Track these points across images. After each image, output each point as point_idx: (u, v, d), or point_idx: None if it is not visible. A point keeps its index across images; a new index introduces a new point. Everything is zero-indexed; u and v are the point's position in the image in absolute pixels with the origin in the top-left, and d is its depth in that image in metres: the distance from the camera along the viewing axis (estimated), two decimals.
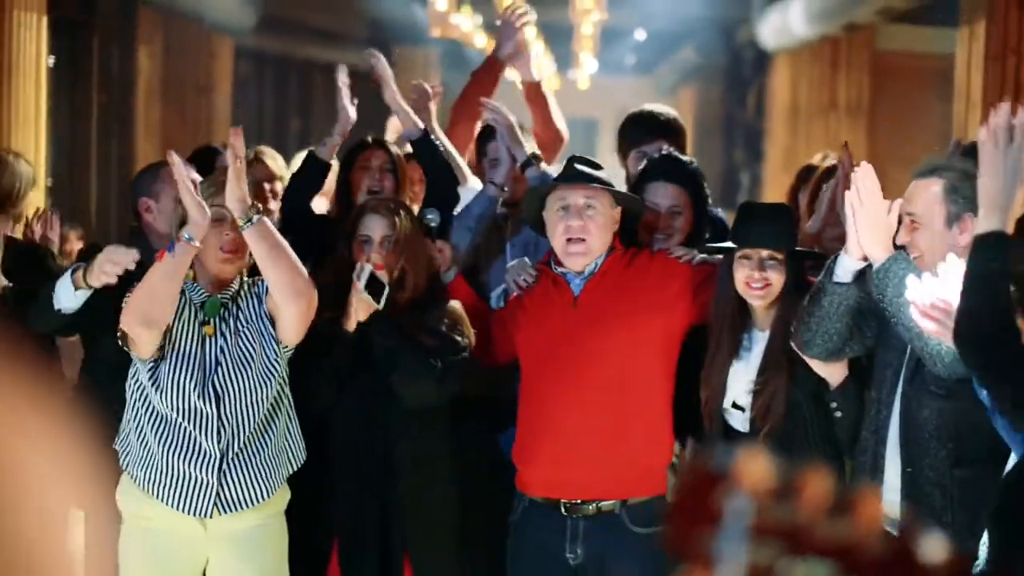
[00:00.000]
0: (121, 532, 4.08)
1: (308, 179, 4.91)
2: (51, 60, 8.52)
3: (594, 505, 4.12)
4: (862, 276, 3.63)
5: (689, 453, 4.23)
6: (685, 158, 4.61)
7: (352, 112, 4.92)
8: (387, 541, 4.21)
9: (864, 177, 3.56)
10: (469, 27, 14.86)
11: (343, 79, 4.95)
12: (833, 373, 3.85)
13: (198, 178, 4.09)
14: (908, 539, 1.24)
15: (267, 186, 5.37)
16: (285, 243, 3.96)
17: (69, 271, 4.14)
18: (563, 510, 4.13)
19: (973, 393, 3.28)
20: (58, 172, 8.77)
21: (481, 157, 4.98)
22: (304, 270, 4.00)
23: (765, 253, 3.92)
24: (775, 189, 13.15)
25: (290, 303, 3.94)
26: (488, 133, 4.97)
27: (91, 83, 10.73)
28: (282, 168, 5.51)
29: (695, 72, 20.78)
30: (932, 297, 3.15)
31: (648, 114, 5.05)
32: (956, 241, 3.60)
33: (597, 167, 4.22)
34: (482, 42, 17.33)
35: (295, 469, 4.13)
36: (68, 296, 4.10)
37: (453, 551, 4.30)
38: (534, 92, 5.45)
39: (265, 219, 3.94)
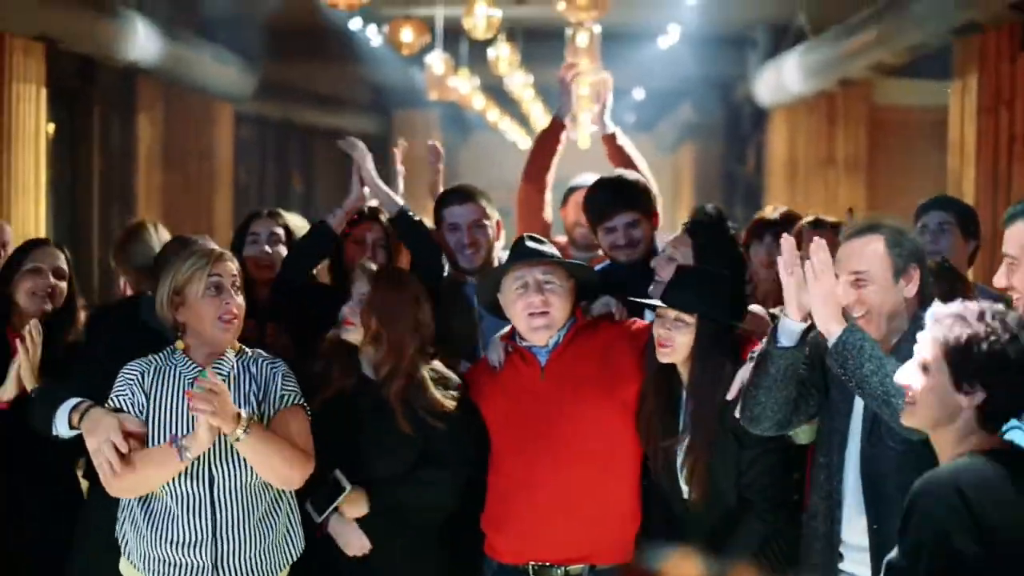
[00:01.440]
0: None
1: (315, 246, 4.95)
2: (51, 129, 8.59)
3: (562, 569, 4.16)
4: (804, 338, 3.67)
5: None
6: (628, 175, 4.96)
7: (362, 190, 4.95)
8: None
9: (818, 251, 3.58)
10: (467, 89, 14.96)
11: (357, 154, 4.97)
12: None
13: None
14: None
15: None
16: (274, 440, 3.92)
17: (67, 408, 3.94)
18: (531, 573, 4.17)
19: (927, 442, 3.33)
20: (59, 240, 8.80)
21: (438, 222, 5.00)
22: (297, 456, 3.95)
23: (673, 314, 4.00)
24: None
25: (284, 486, 4.00)
26: (445, 198, 4.99)
27: (92, 151, 10.81)
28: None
29: (694, 129, 20.91)
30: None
31: (610, 183, 5.04)
32: (903, 294, 3.67)
33: (544, 243, 4.31)
34: (479, 103, 17.45)
35: (295, 560, 4.07)
36: (64, 429, 3.96)
37: None
38: (612, 144, 5.63)
39: (256, 423, 3.91)
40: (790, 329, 3.64)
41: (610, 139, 5.63)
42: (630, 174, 5.02)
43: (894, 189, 11.62)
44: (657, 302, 4.06)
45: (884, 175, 12.03)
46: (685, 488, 4.03)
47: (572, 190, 6.03)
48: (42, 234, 7.74)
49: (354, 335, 4.24)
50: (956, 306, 3.08)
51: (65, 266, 4.79)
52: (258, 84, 14.16)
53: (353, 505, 4.17)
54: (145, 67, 10.47)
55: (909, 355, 3.46)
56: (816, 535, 3.74)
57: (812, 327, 3.65)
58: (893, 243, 3.68)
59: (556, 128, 5.69)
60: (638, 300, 4.21)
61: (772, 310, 4.34)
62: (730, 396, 3.91)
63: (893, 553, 2.92)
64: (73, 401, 3.92)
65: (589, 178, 6.07)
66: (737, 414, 3.83)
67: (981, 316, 2.99)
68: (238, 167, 14.63)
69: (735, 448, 3.97)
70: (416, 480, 4.20)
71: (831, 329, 3.56)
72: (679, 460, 4.05)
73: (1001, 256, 3.54)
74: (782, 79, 13.26)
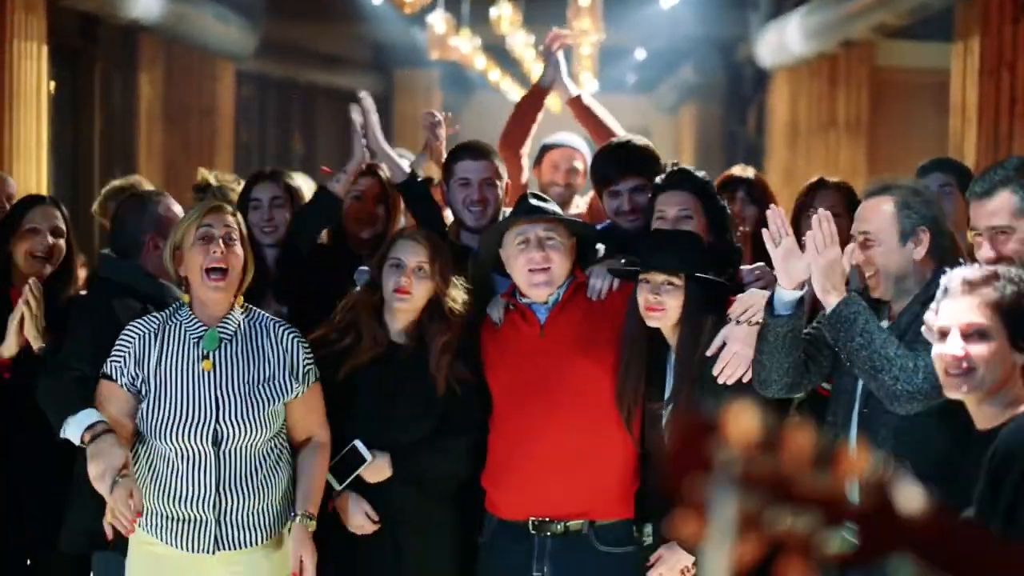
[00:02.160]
0: (128, 556, 4.07)
1: (319, 213, 4.89)
2: (52, 88, 8.58)
3: (561, 524, 4.19)
4: (801, 304, 3.69)
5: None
6: (695, 169, 4.58)
7: (364, 153, 4.90)
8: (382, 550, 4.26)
9: (824, 221, 3.62)
10: (468, 49, 14.91)
11: (356, 116, 4.92)
12: None
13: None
14: (886, 490, 1.30)
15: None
16: (319, 487, 4.09)
17: (82, 426, 3.82)
18: (531, 528, 4.20)
19: (927, 411, 3.37)
20: (61, 199, 8.81)
21: (447, 176, 4.95)
22: (325, 461, 4.14)
23: (661, 278, 3.99)
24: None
25: None
26: (457, 153, 4.94)
27: (93, 110, 10.80)
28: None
29: (695, 90, 20.84)
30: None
31: (618, 147, 4.99)
32: (911, 256, 3.68)
33: (548, 201, 4.33)
34: (481, 64, 17.39)
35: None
36: (74, 438, 3.87)
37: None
38: (578, 107, 5.48)
39: (313, 513, 4.05)
40: (784, 298, 3.67)
41: (575, 102, 5.47)
42: (638, 139, 4.99)
43: (895, 151, 11.61)
44: (634, 268, 4.05)
45: (885, 137, 12.02)
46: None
47: (545, 149, 5.96)
48: (44, 192, 7.74)
49: (410, 304, 4.24)
50: (981, 269, 3.10)
51: (63, 224, 4.75)
52: (259, 42, 14.12)
53: (375, 471, 4.22)
54: (147, 25, 10.45)
55: (915, 318, 3.49)
56: None
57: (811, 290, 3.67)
58: (903, 205, 3.70)
59: (537, 95, 5.57)
60: (622, 269, 4.17)
61: (744, 267, 4.36)
62: (710, 352, 3.94)
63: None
64: (89, 420, 3.83)
65: (563, 137, 6.04)
66: (715, 371, 3.86)
67: (1016, 276, 3.03)
68: (239, 126, 14.61)
69: (714, 405, 3.97)
70: (436, 448, 4.26)
71: (829, 300, 3.60)
72: (664, 421, 4.07)
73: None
74: (784, 40, 13.22)
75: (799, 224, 4.67)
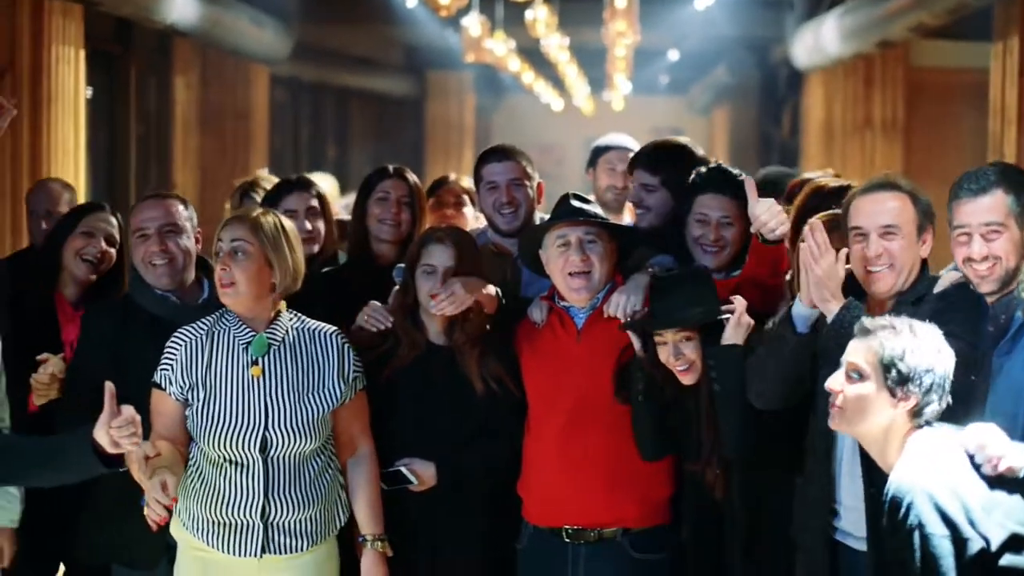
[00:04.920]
0: (177, 556, 4.06)
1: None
2: (89, 92, 8.61)
3: (595, 532, 4.18)
4: (817, 323, 3.70)
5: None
6: (735, 170, 4.52)
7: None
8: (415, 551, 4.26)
9: (816, 232, 3.64)
10: (503, 52, 14.91)
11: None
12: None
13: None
14: None
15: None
16: (380, 513, 4.12)
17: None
18: (565, 537, 4.19)
19: None
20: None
21: (478, 182, 4.92)
22: (376, 467, 4.16)
23: (680, 336, 3.97)
24: None
25: None
26: (484, 157, 4.92)
27: (129, 114, 10.83)
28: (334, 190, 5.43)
29: (729, 92, 20.77)
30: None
31: (651, 145, 4.91)
32: (919, 253, 3.73)
33: (590, 202, 4.28)
34: (515, 66, 17.40)
35: (341, 526, 4.10)
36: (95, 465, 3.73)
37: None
38: None
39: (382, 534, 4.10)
40: (804, 315, 3.69)
41: None
42: (674, 139, 4.98)
43: (932, 152, 11.55)
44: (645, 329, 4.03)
45: (922, 138, 11.94)
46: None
47: (599, 152, 5.95)
48: (80, 196, 7.77)
49: (449, 308, 4.21)
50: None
51: (117, 234, 4.77)
52: (293, 46, 14.15)
53: (422, 481, 4.23)
54: (182, 29, 10.46)
55: (902, 314, 3.50)
56: (812, 499, 3.78)
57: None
58: (914, 200, 3.75)
59: None
60: (637, 325, 4.07)
61: None
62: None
63: None
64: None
65: (616, 138, 6.01)
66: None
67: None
68: (273, 130, 14.63)
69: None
70: (476, 451, 4.25)
71: (830, 307, 3.62)
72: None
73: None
74: (819, 41, 13.15)
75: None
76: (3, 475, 3.84)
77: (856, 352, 3.29)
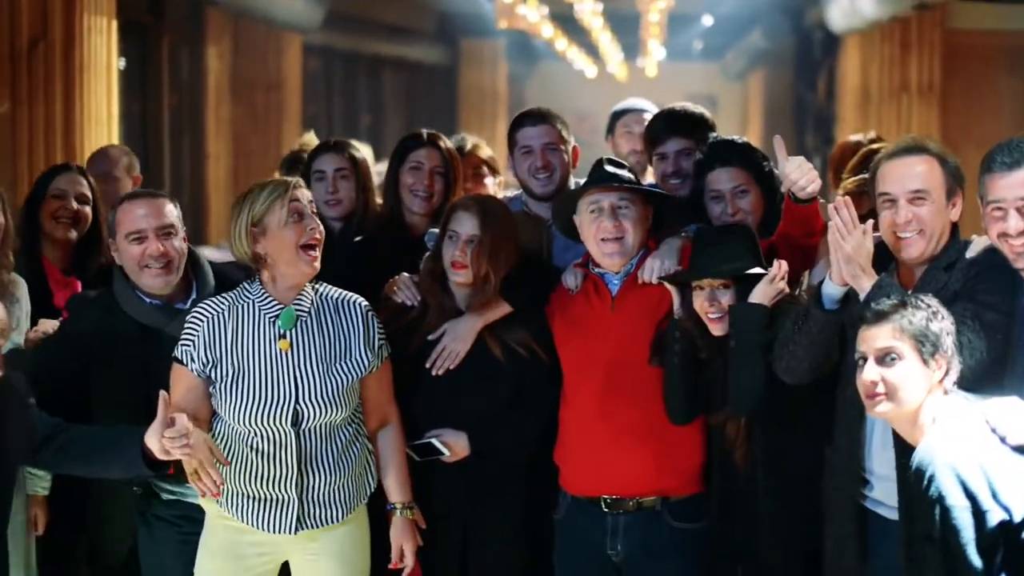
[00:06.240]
0: (203, 532, 4.06)
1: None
2: (122, 63, 8.61)
3: (634, 501, 4.16)
4: (847, 299, 3.68)
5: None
6: (737, 138, 4.53)
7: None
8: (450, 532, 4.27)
9: (841, 210, 3.61)
10: (536, 18, 14.86)
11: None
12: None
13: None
14: None
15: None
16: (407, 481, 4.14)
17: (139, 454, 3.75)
18: (604, 507, 4.17)
19: None
20: None
21: (512, 146, 4.87)
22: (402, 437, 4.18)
23: (717, 283, 3.96)
24: None
25: None
26: (518, 120, 4.89)
27: (161, 85, 10.86)
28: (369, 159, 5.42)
29: (763, 57, 20.64)
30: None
31: (668, 111, 4.86)
32: (948, 218, 3.68)
33: (624, 167, 4.25)
34: (548, 32, 17.33)
35: (371, 493, 4.10)
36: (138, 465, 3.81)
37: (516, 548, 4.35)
38: None
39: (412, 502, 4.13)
40: (833, 294, 3.67)
41: None
42: (692, 106, 4.92)
43: (969, 116, 11.43)
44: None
45: (959, 102, 11.82)
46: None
47: (617, 116, 5.89)
48: None
49: (464, 277, 4.23)
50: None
51: (88, 191, 4.86)
52: (325, 14, 14.12)
53: (455, 451, 4.23)
54: None
55: (943, 286, 3.46)
56: (840, 468, 3.76)
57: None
58: (943, 163, 3.69)
59: None
60: (674, 278, 4.07)
61: None
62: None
63: None
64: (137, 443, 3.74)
65: (632, 102, 5.96)
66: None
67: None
68: (306, 98, 14.63)
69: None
70: (508, 424, 4.25)
71: (862, 283, 3.59)
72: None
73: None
74: (855, 3, 13.04)
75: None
76: (56, 460, 3.89)
77: (881, 337, 3.32)
